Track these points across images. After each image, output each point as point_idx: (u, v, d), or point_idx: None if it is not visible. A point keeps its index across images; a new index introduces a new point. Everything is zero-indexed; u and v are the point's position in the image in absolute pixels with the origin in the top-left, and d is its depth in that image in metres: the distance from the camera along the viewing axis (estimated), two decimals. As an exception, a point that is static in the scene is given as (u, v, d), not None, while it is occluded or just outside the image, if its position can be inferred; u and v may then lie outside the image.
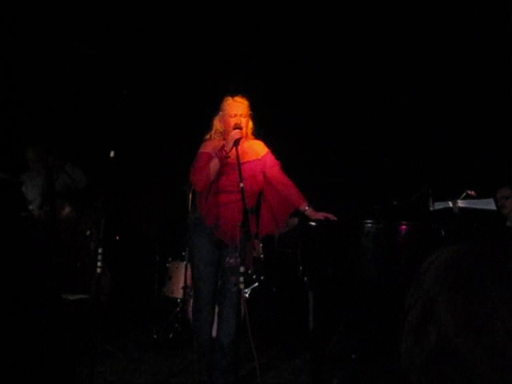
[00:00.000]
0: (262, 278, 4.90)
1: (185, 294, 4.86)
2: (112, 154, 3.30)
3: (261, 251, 5.00)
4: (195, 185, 3.43)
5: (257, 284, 4.84)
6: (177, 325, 4.86)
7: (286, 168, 3.57)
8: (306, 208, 3.41)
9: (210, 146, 3.45)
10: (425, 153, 5.04)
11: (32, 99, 5.63)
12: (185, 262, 4.85)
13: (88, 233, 4.93)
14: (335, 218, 3.37)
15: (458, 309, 0.69)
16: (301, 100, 5.59)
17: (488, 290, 0.68)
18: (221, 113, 3.47)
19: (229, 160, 3.31)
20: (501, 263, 0.70)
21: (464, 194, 3.60)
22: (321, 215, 3.37)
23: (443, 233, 3.20)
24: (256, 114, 3.52)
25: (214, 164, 3.29)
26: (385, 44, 5.23)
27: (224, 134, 3.45)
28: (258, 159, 3.49)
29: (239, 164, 3.14)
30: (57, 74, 5.58)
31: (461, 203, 3.57)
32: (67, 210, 5.14)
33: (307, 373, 3.91)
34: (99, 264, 3.22)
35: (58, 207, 5.06)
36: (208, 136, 3.53)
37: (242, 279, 2.95)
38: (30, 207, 5.16)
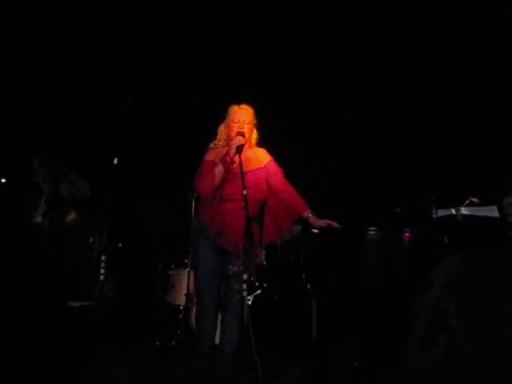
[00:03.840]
0: (264, 285, 4.90)
1: (187, 301, 4.86)
2: (115, 160, 3.31)
3: (263, 258, 5.00)
4: (200, 191, 3.44)
5: (259, 291, 4.84)
6: (179, 332, 4.85)
7: (289, 175, 3.57)
8: (309, 215, 3.41)
9: (213, 153, 3.47)
10: (428, 160, 5.03)
11: (37, 106, 5.65)
12: (187, 269, 4.85)
13: (91, 240, 4.94)
14: (338, 226, 3.37)
15: (467, 318, 0.68)
16: (304, 107, 5.60)
17: (498, 300, 0.68)
18: (226, 120, 3.51)
19: (232, 168, 3.32)
20: (510, 271, 0.70)
21: (467, 202, 3.59)
22: (324, 222, 3.37)
23: (446, 240, 3.20)
24: (260, 121, 3.54)
25: (219, 170, 3.31)
26: (389, 52, 5.24)
27: (228, 141, 3.46)
28: (262, 167, 3.51)
29: (242, 172, 3.15)
30: (61, 81, 5.61)
31: (464, 210, 3.57)
32: (72, 216, 5.15)
33: (310, 380, 3.89)
34: (102, 271, 3.22)
35: (63, 213, 5.07)
36: (212, 144, 3.55)
37: (245, 287, 2.95)
38: (35, 214, 5.18)
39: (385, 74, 5.28)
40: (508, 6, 4.37)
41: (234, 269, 3.38)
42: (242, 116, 3.43)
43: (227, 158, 3.29)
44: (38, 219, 5.11)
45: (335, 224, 3.36)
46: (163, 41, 5.59)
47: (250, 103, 3.51)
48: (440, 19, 4.90)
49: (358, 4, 5.21)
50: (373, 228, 3.21)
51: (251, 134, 3.49)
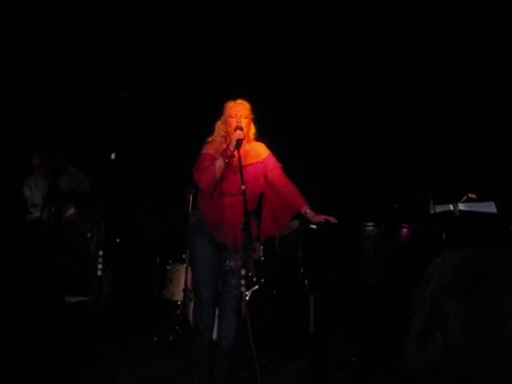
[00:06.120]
0: (262, 280, 4.90)
1: (185, 296, 4.86)
2: (113, 156, 3.31)
3: (261, 254, 5.00)
4: (200, 184, 3.40)
5: (257, 287, 4.84)
6: (177, 327, 4.86)
7: (288, 170, 3.57)
8: (307, 211, 3.40)
9: (212, 147, 3.46)
10: (426, 156, 5.03)
11: (34, 102, 5.63)
12: (185, 265, 4.85)
13: (89, 235, 4.94)
14: (336, 221, 3.36)
15: (465, 314, 0.68)
16: (302, 103, 5.59)
17: (497, 296, 0.67)
18: (223, 116, 3.49)
19: (231, 162, 3.31)
20: (510, 268, 0.69)
21: (465, 197, 3.59)
22: (322, 218, 3.36)
23: (444, 236, 3.20)
24: (258, 116, 3.53)
25: (219, 163, 3.29)
26: (386, 51, 5.23)
27: (226, 136, 3.45)
28: (260, 162, 3.50)
29: (241, 166, 3.15)
30: (59, 77, 5.59)
31: (462, 206, 3.56)
32: (71, 211, 5.14)
33: (308, 376, 3.90)
34: (100, 266, 3.22)
35: (62, 208, 5.07)
36: (210, 139, 3.53)
37: (243, 282, 2.95)
38: (35, 210, 5.18)
39: (383, 71, 5.28)
40: (508, 6, 4.36)
41: (231, 264, 3.38)
42: (239, 111, 3.42)
43: (228, 152, 3.28)
44: (36, 214, 5.11)
45: (333, 219, 3.36)
46: (160, 37, 5.58)
47: (246, 98, 3.50)
48: (439, 19, 4.90)
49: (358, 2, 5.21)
50: (370, 223, 3.21)
51: (249, 128, 3.48)
